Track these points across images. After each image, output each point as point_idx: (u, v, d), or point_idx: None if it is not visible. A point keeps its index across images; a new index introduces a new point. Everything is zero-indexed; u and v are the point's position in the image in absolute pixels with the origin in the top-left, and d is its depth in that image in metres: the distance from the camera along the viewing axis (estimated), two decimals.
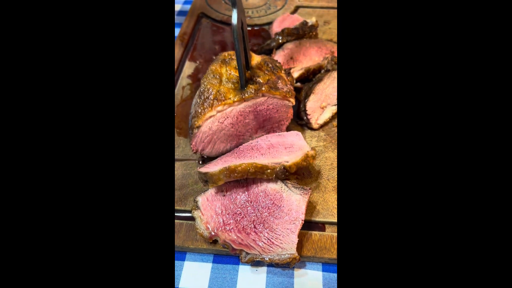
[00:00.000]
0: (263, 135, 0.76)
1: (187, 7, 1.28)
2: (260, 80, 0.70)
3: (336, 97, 0.85)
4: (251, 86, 0.69)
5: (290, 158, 0.67)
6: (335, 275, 0.62)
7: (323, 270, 0.63)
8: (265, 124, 0.75)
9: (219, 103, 0.67)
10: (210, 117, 0.68)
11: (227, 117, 0.69)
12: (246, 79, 0.69)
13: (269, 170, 0.64)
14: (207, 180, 0.63)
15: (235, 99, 0.67)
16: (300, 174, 0.73)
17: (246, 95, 0.68)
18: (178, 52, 1.02)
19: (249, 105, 0.69)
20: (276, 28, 1.05)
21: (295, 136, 0.72)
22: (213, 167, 0.64)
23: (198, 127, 0.68)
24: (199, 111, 0.68)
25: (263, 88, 0.68)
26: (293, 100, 0.73)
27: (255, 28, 1.12)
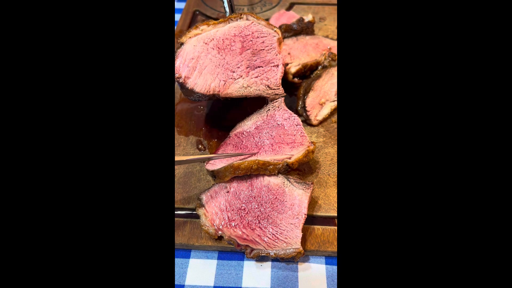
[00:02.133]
0: (256, 81, 0.72)
1: (182, 4, 1.28)
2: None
3: (334, 93, 0.86)
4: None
5: (292, 153, 0.68)
6: None
7: (326, 263, 0.64)
8: (254, 60, 0.72)
9: (204, 23, 0.70)
10: (195, 35, 0.68)
11: (213, 39, 0.69)
12: (231, 6, 0.71)
13: (271, 166, 0.66)
14: (215, 176, 0.64)
15: (220, 20, 0.70)
16: (302, 170, 0.74)
17: (231, 16, 0.70)
18: None
19: (233, 26, 0.69)
20: None
21: (295, 128, 0.72)
22: (219, 164, 0.65)
23: (182, 44, 0.68)
24: (185, 32, 0.69)
25: (247, 12, 0.72)
26: (278, 31, 0.72)
27: None
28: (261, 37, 0.71)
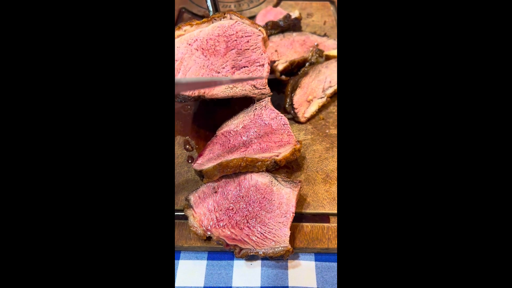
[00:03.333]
0: (241, 81, 0.72)
1: None
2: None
3: (321, 90, 0.86)
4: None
5: (280, 151, 0.69)
6: (327, 263, 0.64)
7: (316, 260, 0.64)
8: (239, 60, 0.71)
9: (187, 23, 0.69)
10: (178, 36, 0.67)
11: (196, 39, 0.68)
12: (214, 5, 0.70)
13: (259, 163, 0.66)
14: (203, 175, 0.64)
15: (203, 20, 0.69)
16: (290, 168, 0.75)
17: (214, 16, 0.69)
18: None
19: (217, 26, 0.68)
20: (259, 21, 1.04)
21: (282, 127, 0.72)
22: (206, 164, 0.65)
23: None
24: None
25: (230, 11, 0.70)
26: (263, 30, 0.71)
27: None
28: (246, 36, 0.70)
